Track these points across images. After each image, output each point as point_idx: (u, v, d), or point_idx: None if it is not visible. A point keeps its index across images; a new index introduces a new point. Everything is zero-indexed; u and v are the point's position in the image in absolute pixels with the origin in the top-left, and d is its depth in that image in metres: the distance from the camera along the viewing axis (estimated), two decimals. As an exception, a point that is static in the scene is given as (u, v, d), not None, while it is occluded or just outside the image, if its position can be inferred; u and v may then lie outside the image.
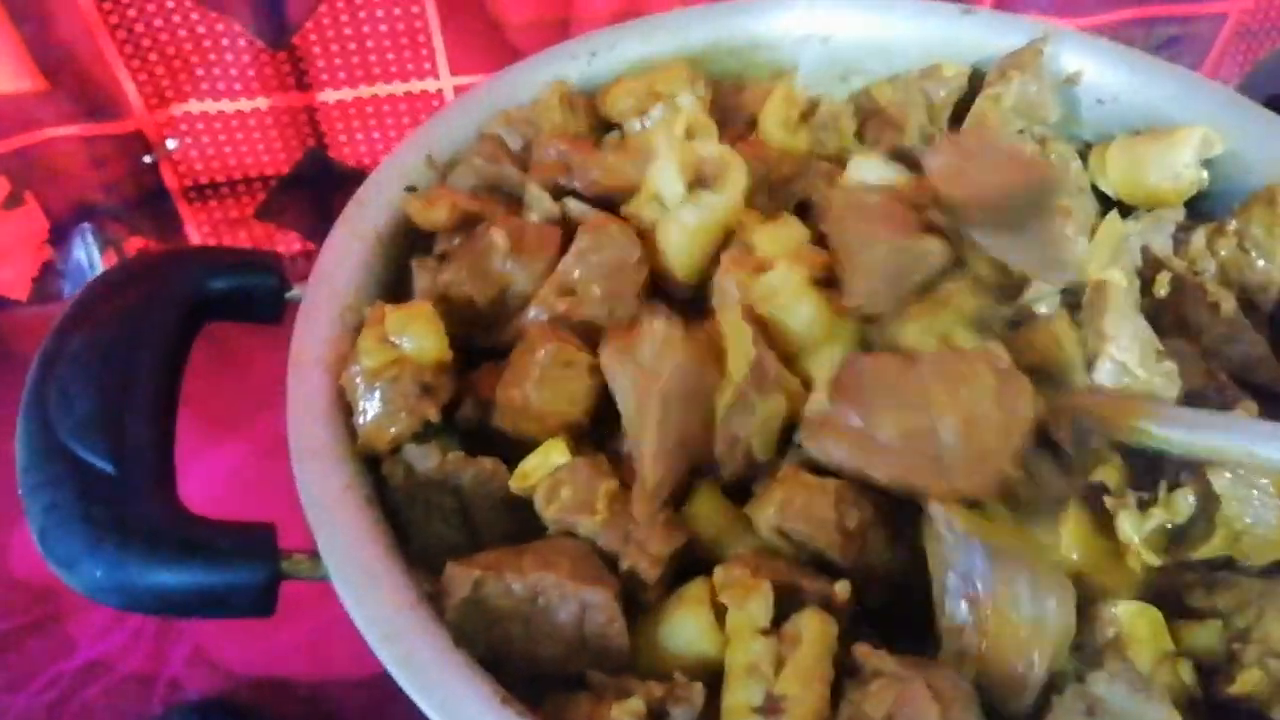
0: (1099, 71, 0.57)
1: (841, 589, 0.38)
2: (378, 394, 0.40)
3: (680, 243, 0.46)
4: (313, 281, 0.45)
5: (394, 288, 0.48)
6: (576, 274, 0.45)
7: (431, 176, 0.51)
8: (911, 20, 0.60)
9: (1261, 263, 0.50)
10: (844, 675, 0.36)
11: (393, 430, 0.40)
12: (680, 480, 0.40)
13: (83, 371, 0.38)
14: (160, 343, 0.40)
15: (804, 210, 0.50)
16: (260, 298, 0.45)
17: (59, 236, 0.81)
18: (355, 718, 0.52)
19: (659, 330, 0.41)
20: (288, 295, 0.45)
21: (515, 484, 0.41)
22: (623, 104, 0.54)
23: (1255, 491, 0.39)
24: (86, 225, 0.81)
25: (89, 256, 0.82)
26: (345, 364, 0.42)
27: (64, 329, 0.39)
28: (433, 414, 0.41)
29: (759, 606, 0.35)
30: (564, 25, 0.80)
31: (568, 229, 0.47)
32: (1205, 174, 0.52)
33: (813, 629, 0.35)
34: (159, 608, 0.35)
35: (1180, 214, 0.51)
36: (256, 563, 0.35)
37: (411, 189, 0.50)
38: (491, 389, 0.43)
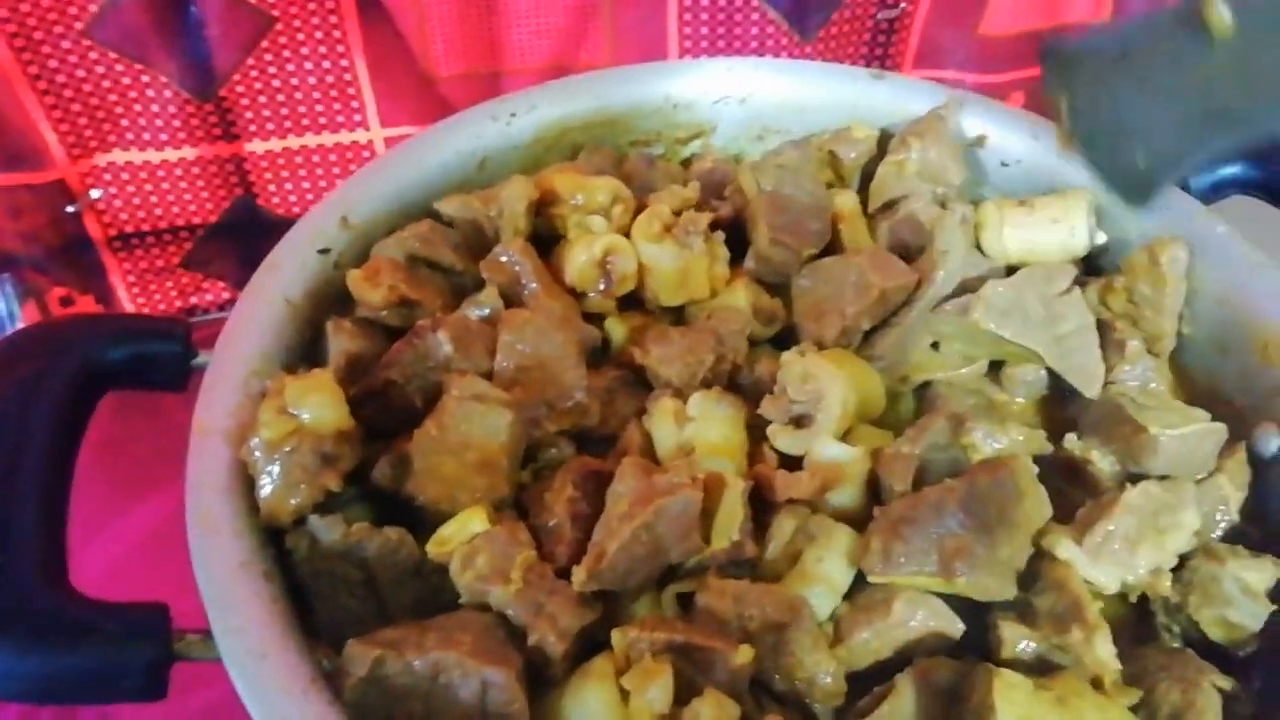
0: (1001, 135, 0.59)
1: (743, 654, 0.38)
2: (277, 465, 0.40)
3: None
4: (218, 349, 0.44)
5: (306, 351, 0.48)
6: (505, 364, 0.46)
7: (347, 238, 0.52)
8: (825, 83, 0.62)
9: (1151, 314, 0.52)
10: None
11: (294, 502, 0.40)
12: (617, 583, 0.41)
13: (-31, 451, 0.37)
14: (54, 416, 0.40)
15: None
16: (163, 365, 0.44)
17: (-24, 287, 0.80)
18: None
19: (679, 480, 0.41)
20: (194, 362, 0.45)
21: (432, 549, 0.41)
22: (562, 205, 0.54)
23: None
24: (5, 276, 0.80)
25: (8, 307, 0.80)
26: (247, 435, 0.42)
27: (-47, 403, 0.39)
28: (334, 484, 0.41)
29: (658, 692, 0.36)
30: (494, 78, 0.81)
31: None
32: (1101, 236, 0.54)
33: (710, 716, 0.35)
34: (48, 695, 0.34)
35: (1072, 271, 0.53)
36: (146, 645, 0.35)
37: (324, 251, 0.50)
38: (408, 443, 0.43)
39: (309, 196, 0.84)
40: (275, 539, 0.41)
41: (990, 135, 0.59)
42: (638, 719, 0.37)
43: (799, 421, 0.46)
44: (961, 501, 0.40)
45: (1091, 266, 0.56)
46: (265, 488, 0.40)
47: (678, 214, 0.53)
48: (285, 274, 0.49)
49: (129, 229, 0.81)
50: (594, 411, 0.47)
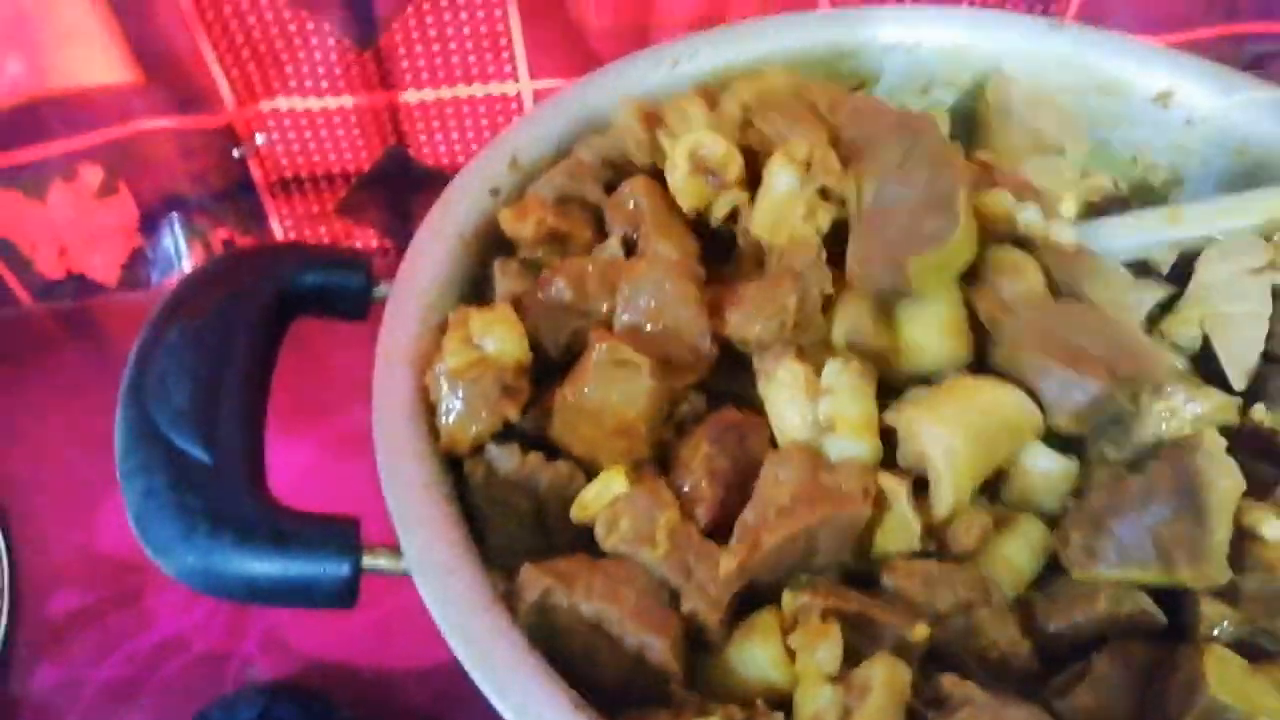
0: (1189, 91, 0.56)
1: (919, 631, 0.37)
2: (461, 393, 0.41)
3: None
4: (399, 281, 0.46)
5: (476, 288, 0.49)
6: (626, 318, 0.45)
7: (515, 179, 0.52)
8: (998, 32, 0.60)
9: None
10: (926, 707, 0.36)
11: (474, 429, 0.41)
12: (764, 574, 0.40)
13: (179, 363, 0.39)
14: (252, 336, 0.41)
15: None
16: (347, 295, 0.46)
17: (149, 225, 0.84)
18: (419, 705, 0.53)
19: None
20: (374, 293, 0.46)
21: (576, 513, 0.41)
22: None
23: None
24: (175, 215, 0.84)
25: (176, 246, 0.85)
26: (429, 363, 0.43)
27: (159, 321, 0.41)
28: (513, 414, 0.42)
29: (827, 652, 0.35)
30: (643, 31, 0.81)
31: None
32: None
33: (882, 678, 0.35)
34: (245, 596, 0.36)
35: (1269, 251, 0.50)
36: (341, 556, 0.36)
37: (495, 191, 0.51)
38: (551, 399, 0.43)
39: (457, 148, 0.85)
40: (454, 465, 0.42)
41: (1177, 91, 0.56)
42: (805, 677, 0.36)
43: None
44: (1172, 488, 0.39)
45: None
46: (448, 415, 0.41)
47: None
48: (458, 212, 0.50)
49: (289, 174, 0.84)
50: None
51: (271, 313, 0.42)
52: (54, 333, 0.79)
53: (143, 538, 0.35)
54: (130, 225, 0.83)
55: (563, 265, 0.47)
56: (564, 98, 0.56)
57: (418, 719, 0.53)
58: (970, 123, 0.59)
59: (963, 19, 0.59)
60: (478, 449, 0.41)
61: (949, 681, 0.36)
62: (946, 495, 0.40)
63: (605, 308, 0.45)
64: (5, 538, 0.60)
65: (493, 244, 0.50)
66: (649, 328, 0.44)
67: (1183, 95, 0.56)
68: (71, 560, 0.60)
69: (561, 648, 0.37)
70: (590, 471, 0.42)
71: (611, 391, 0.42)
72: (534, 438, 0.43)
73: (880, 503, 0.40)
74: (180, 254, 0.85)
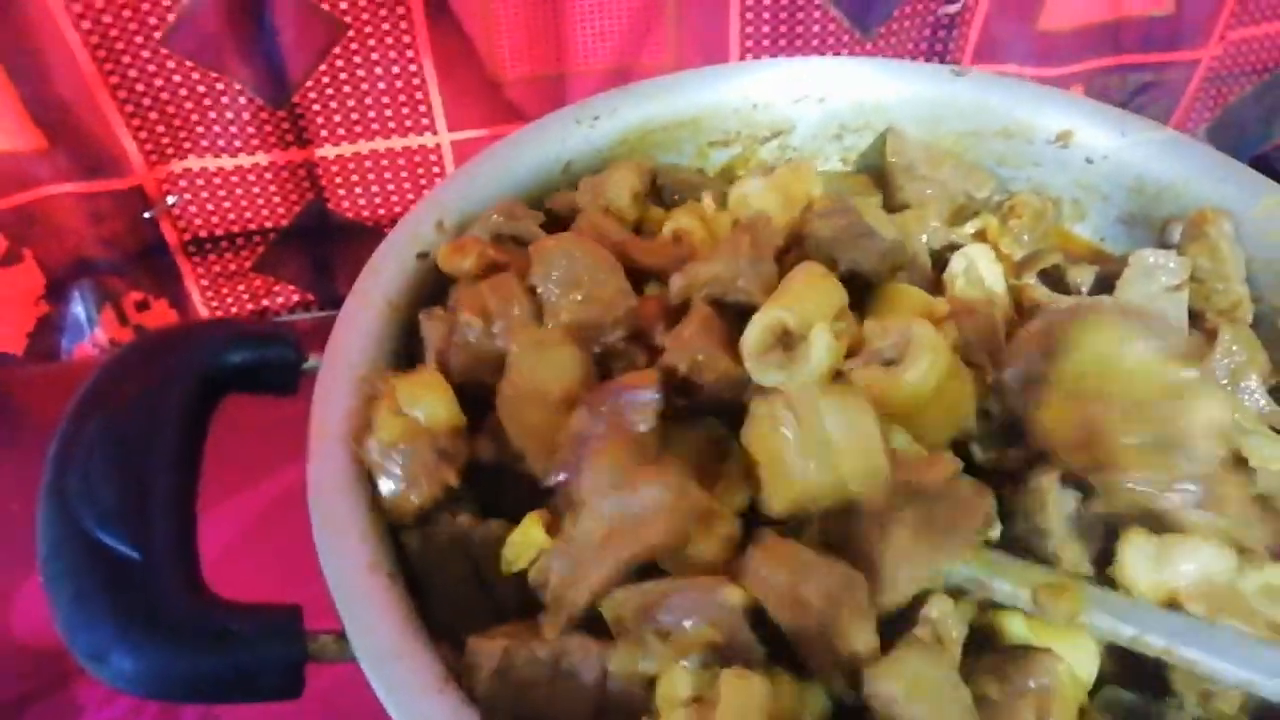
0: (1090, 131, 0.59)
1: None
2: (398, 465, 0.41)
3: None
4: (329, 353, 0.45)
5: (408, 353, 0.48)
6: (546, 294, 0.47)
7: (442, 240, 0.52)
8: (904, 81, 0.62)
9: (1221, 287, 0.52)
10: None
11: (415, 499, 0.41)
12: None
13: (102, 457, 0.38)
14: (178, 422, 0.40)
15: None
16: (276, 370, 0.45)
17: (56, 292, 0.81)
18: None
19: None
20: (304, 366, 0.46)
21: (505, 568, 0.41)
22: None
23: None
24: (84, 281, 0.81)
25: (87, 312, 0.82)
26: (364, 436, 0.42)
27: (77, 414, 0.39)
28: (452, 479, 0.42)
29: (679, 678, 0.36)
30: (558, 81, 0.82)
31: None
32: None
33: (730, 687, 0.35)
34: (187, 695, 0.35)
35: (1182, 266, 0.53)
36: (285, 648, 0.35)
37: (422, 255, 0.51)
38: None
39: (378, 200, 0.85)
40: (392, 532, 0.41)
41: (1077, 132, 0.59)
42: (665, 707, 0.36)
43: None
44: None
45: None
46: (387, 486, 0.41)
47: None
48: (386, 278, 0.49)
49: (203, 234, 0.82)
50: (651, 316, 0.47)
51: (196, 397, 0.42)
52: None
53: (73, 644, 0.34)
54: (35, 293, 0.80)
55: (462, 299, 0.48)
56: (487, 158, 0.56)
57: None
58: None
59: (867, 69, 0.61)
60: (422, 518, 0.41)
61: None
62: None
63: (516, 311, 0.47)
64: (-85, 634, 0.57)
65: (421, 306, 0.50)
66: (572, 296, 0.46)
67: (1082, 136, 0.59)
68: (-13, 653, 0.57)
69: (526, 704, 0.36)
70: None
71: (540, 369, 0.44)
72: (492, 467, 0.44)
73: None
74: (91, 319, 0.83)
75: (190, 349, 0.42)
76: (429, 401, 0.43)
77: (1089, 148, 0.59)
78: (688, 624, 0.38)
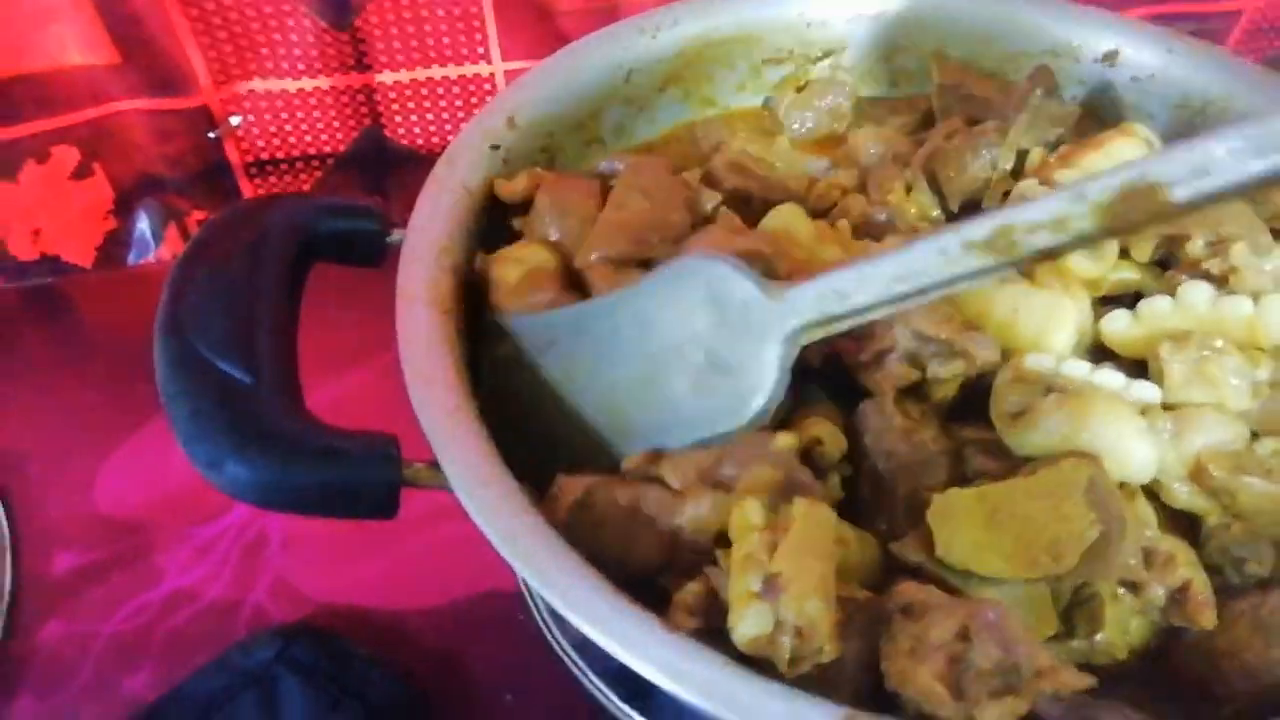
0: (1135, 50, 0.60)
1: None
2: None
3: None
4: (412, 228, 0.48)
5: (483, 236, 0.51)
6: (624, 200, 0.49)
7: (512, 137, 0.55)
8: (956, 2, 0.64)
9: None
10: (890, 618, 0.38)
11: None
12: None
13: (211, 297, 0.41)
14: (279, 275, 0.43)
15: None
16: (364, 240, 0.48)
17: (123, 208, 0.84)
18: (430, 642, 0.55)
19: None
20: (388, 240, 0.48)
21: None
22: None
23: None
24: (151, 199, 0.84)
25: (152, 228, 0.85)
26: (441, 301, 0.45)
27: (187, 263, 0.42)
28: None
29: (752, 507, 0.38)
30: (612, 12, 0.84)
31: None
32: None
33: (801, 512, 0.37)
34: (294, 506, 0.37)
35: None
36: (383, 469, 0.38)
37: (495, 147, 0.54)
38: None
39: (432, 128, 0.87)
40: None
41: (1123, 49, 0.60)
42: (738, 535, 0.38)
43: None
44: None
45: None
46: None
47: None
48: (462, 165, 0.52)
49: (264, 156, 0.85)
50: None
51: (293, 258, 0.44)
52: (26, 310, 0.79)
53: (192, 456, 0.36)
54: (104, 207, 0.83)
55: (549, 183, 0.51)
56: (556, 61, 0.59)
57: (430, 654, 0.54)
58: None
59: (925, -15, 0.63)
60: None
61: (907, 589, 0.38)
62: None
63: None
64: (3, 500, 0.60)
65: (493, 197, 0.53)
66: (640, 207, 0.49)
67: (1128, 54, 0.61)
68: (71, 523, 0.60)
69: (596, 541, 0.39)
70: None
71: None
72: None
73: None
74: (156, 236, 0.86)
75: (288, 213, 0.45)
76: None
77: (1135, 65, 0.60)
78: (747, 470, 0.41)
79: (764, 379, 0.40)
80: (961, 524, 0.39)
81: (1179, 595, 0.40)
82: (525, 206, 0.52)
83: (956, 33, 0.63)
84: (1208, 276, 0.46)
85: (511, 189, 0.52)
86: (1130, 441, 0.40)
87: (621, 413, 0.44)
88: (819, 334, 0.41)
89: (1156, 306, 0.45)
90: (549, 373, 0.45)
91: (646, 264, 0.47)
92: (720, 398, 0.41)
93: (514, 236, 0.52)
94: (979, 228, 0.37)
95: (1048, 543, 0.38)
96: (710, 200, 0.51)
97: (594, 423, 0.44)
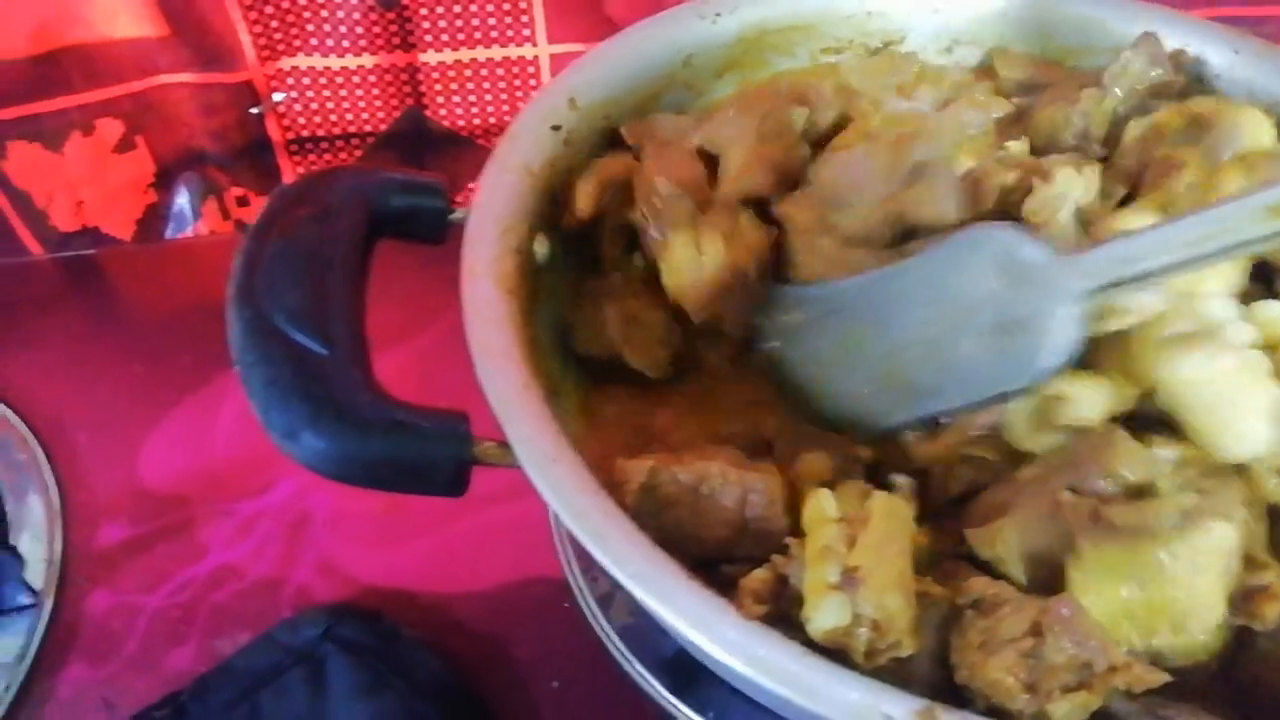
0: (1202, 49, 0.60)
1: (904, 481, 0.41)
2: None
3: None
4: (476, 205, 0.47)
5: (545, 215, 0.51)
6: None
7: (573, 117, 0.54)
8: (1014, -2, 0.63)
9: None
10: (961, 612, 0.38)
11: None
12: None
13: (284, 268, 0.40)
14: (348, 248, 0.43)
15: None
16: (427, 218, 0.47)
17: (164, 181, 0.84)
18: (477, 624, 0.55)
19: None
20: (451, 217, 0.48)
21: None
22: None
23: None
24: (191, 174, 0.84)
25: (191, 203, 0.85)
26: (504, 278, 0.45)
27: (262, 230, 0.42)
28: None
29: (826, 499, 0.38)
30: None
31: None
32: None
33: (880, 507, 0.37)
34: (366, 479, 0.37)
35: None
36: (454, 445, 0.38)
37: (556, 127, 0.53)
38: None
39: (474, 110, 0.87)
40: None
41: (1190, 49, 0.60)
42: (813, 526, 0.38)
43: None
44: None
45: None
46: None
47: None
48: (523, 145, 0.52)
49: (305, 133, 0.85)
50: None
51: (362, 230, 0.44)
52: (66, 282, 0.79)
53: (268, 425, 0.36)
54: (145, 180, 0.83)
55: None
56: (616, 43, 0.58)
57: (475, 638, 0.54)
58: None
59: (987, -21, 0.63)
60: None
61: (978, 583, 0.38)
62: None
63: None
64: (52, 469, 0.60)
65: (557, 176, 0.52)
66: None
67: (1192, 53, 0.60)
68: (117, 495, 0.60)
69: (669, 521, 0.39)
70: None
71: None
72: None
73: None
74: (195, 211, 0.86)
75: (358, 185, 0.45)
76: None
77: (1201, 65, 0.60)
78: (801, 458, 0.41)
79: (1057, 338, 0.40)
80: (1105, 581, 0.38)
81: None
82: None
83: (1019, 28, 0.63)
84: None
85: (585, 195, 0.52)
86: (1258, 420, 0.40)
87: (900, 375, 0.44)
88: (1112, 295, 0.41)
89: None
90: (827, 340, 0.47)
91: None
92: (1008, 357, 0.41)
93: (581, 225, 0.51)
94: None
95: (1177, 615, 0.37)
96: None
97: (862, 390, 0.46)
